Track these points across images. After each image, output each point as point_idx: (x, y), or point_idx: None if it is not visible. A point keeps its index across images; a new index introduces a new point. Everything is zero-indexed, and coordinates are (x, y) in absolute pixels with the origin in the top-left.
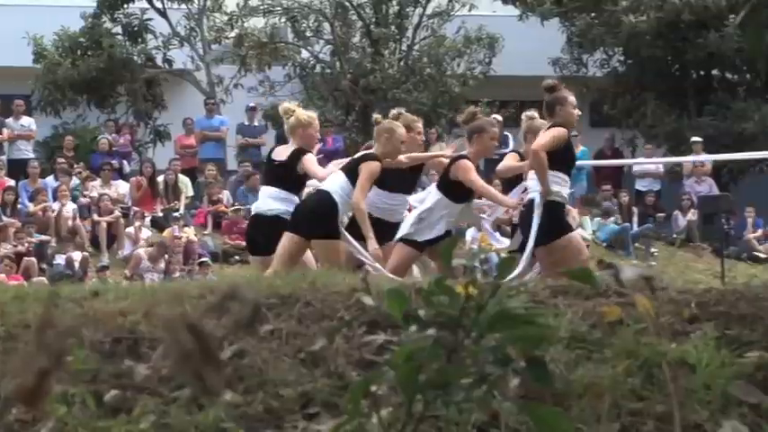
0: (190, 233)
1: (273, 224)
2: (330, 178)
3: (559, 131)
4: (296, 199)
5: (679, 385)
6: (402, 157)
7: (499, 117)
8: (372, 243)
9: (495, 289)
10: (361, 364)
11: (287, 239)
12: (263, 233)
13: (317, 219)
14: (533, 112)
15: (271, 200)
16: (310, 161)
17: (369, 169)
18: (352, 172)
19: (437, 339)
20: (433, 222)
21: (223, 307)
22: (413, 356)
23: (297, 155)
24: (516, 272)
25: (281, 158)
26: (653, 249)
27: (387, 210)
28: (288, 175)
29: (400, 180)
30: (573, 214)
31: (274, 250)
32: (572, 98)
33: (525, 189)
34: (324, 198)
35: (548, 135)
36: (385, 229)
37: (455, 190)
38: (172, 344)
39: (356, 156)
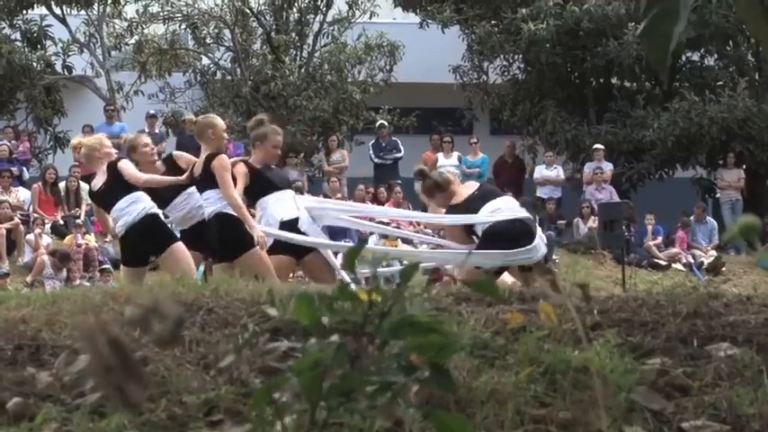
0: (91, 240)
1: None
2: (204, 203)
3: None
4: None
5: (606, 393)
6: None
7: (385, 122)
8: (257, 230)
9: (399, 296)
10: (264, 371)
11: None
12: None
13: (227, 240)
14: None
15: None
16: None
17: (219, 164)
18: (212, 180)
19: (341, 346)
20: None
21: (145, 322)
22: (318, 363)
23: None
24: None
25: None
26: (554, 256)
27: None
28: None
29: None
30: None
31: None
32: None
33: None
34: (222, 219)
35: None
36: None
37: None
38: (92, 357)
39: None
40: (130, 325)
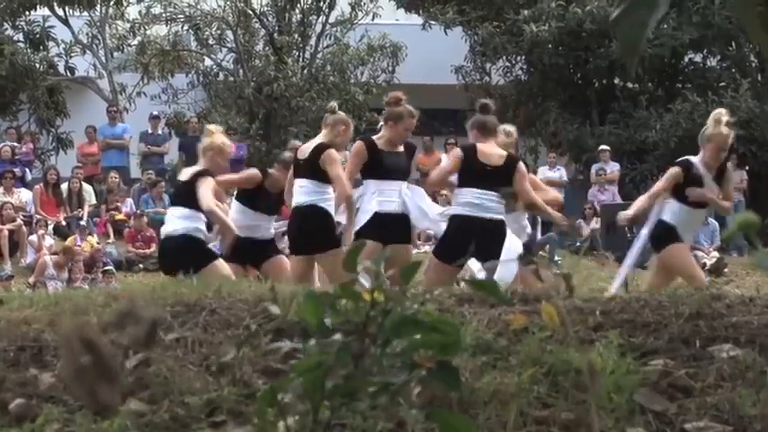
0: (92, 242)
1: (182, 244)
2: (297, 190)
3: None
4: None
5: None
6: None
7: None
8: (350, 235)
9: (401, 295)
10: (267, 371)
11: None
12: (173, 256)
13: (315, 232)
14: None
15: (177, 219)
16: (206, 185)
17: (329, 157)
18: (314, 171)
19: (344, 346)
20: (365, 206)
21: (121, 324)
22: (320, 364)
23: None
24: None
25: (183, 178)
26: (556, 258)
27: (252, 227)
28: (192, 194)
29: (267, 202)
30: None
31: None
32: None
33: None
34: (315, 212)
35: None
36: (249, 247)
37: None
38: (67, 357)
39: (306, 155)
40: (107, 328)
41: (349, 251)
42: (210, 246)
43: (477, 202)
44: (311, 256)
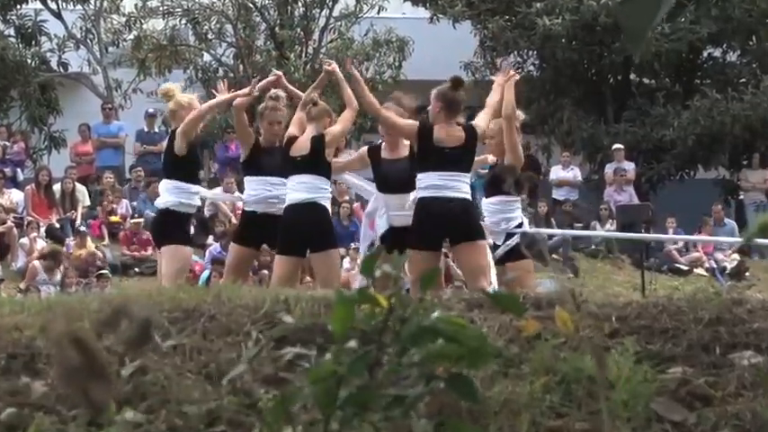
0: (90, 247)
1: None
2: (294, 187)
3: None
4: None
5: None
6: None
7: None
8: None
9: (419, 302)
10: (268, 380)
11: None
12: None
13: (309, 232)
14: None
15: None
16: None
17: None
18: (316, 164)
19: (361, 355)
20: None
21: (113, 324)
22: (335, 372)
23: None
24: None
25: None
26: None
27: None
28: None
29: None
30: None
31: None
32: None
33: None
34: (314, 209)
35: None
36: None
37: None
38: (59, 359)
39: (305, 152)
40: (100, 328)
41: (367, 256)
42: None
43: (440, 183)
44: (302, 257)
